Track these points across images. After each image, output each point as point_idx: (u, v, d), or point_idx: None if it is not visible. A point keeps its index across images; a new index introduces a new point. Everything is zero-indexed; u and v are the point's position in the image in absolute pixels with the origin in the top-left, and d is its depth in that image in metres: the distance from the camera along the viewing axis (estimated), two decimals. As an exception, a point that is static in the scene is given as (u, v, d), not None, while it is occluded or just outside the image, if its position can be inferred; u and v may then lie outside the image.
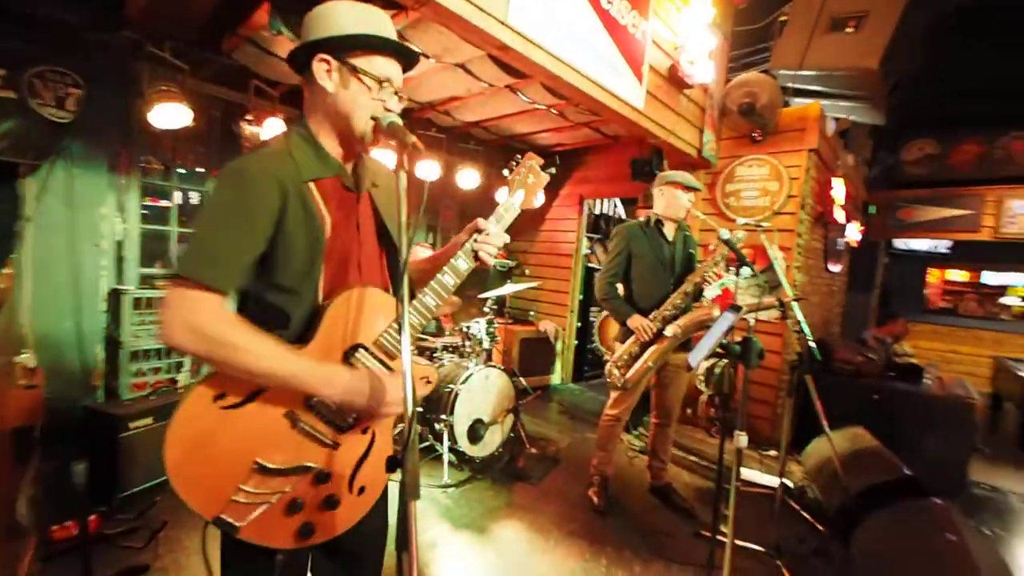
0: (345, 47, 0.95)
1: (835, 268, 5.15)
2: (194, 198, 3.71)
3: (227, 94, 3.42)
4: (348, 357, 0.99)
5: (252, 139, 3.15)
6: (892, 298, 8.61)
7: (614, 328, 4.17)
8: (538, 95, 3.41)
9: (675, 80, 3.44)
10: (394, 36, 1.00)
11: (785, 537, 2.39)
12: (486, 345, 3.46)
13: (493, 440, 3.14)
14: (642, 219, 2.74)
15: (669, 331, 2.44)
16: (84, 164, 2.77)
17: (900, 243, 8.36)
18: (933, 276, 8.89)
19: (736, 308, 1.56)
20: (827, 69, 3.88)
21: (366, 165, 1.08)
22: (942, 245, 8.51)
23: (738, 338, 1.61)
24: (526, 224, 5.67)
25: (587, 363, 5.77)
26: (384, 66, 0.98)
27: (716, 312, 2.39)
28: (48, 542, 1.94)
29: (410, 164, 0.98)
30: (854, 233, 5.71)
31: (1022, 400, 4.94)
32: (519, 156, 1.20)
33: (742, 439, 1.50)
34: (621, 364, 2.52)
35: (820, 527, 2.58)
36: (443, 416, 2.93)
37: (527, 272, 5.37)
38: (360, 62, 0.95)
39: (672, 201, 2.58)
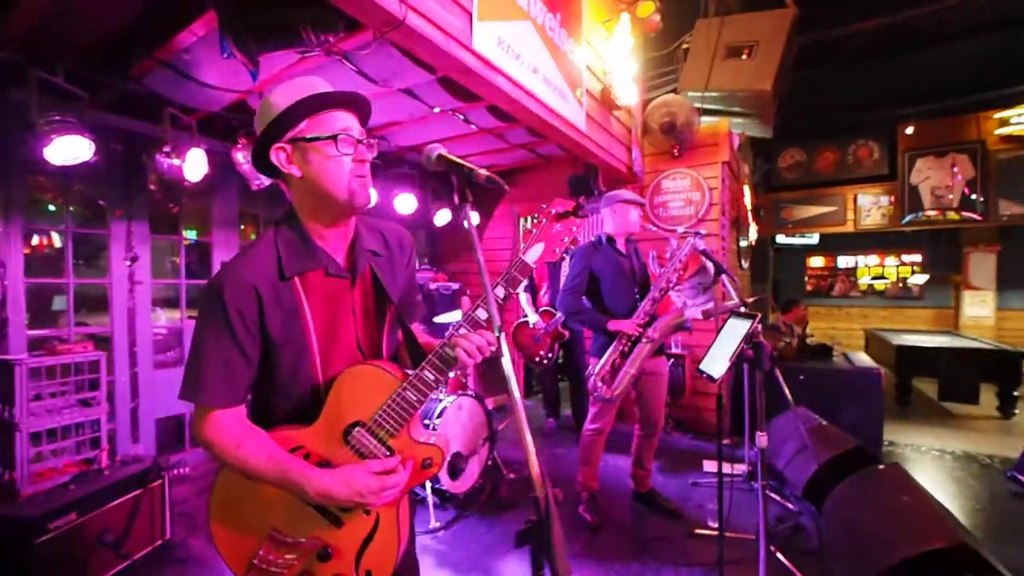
0: (289, 125, 0.96)
1: (745, 264, 5.76)
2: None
3: (130, 124, 3.00)
4: (347, 435, 1.01)
5: (170, 174, 2.78)
6: (781, 286, 9.83)
7: (524, 335, 4.29)
8: (481, 119, 3.43)
9: (606, 102, 3.66)
10: (327, 88, 0.99)
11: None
12: (454, 374, 3.34)
13: (472, 472, 3.03)
14: (593, 240, 2.85)
15: (647, 335, 2.55)
16: (-49, 212, 2.25)
17: (781, 238, 9.60)
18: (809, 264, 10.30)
19: (749, 315, 1.67)
20: (728, 90, 4.36)
21: (362, 242, 1.08)
22: (813, 238, 9.91)
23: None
24: (463, 245, 5.63)
25: (533, 378, 5.82)
26: (332, 121, 0.97)
27: (688, 312, 2.54)
28: None
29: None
30: (754, 233, 6.44)
31: (894, 364, 5.80)
32: (543, 206, 1.13)
33: (762, 440, 1.60)
34: (605, 376, 2.57)
35: (790, 506, 2.82)
36: (422, 455, 2.77)
37: (468, 293, 5.32)
38: (308, 130, 0.96)
39: (624, 217, 2.72)
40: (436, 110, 3.17)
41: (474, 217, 5.23)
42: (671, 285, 2.68)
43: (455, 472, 2.87)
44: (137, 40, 2.32)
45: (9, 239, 2.60)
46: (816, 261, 11.12)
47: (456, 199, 0.91)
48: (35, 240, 2.95)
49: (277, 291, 0.96)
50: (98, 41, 2.38)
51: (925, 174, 6.47)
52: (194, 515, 2.81)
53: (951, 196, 6.39)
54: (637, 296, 2.69)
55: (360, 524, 1.02)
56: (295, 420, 1.01)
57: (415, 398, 1.00)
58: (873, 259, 10.36)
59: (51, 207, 3.02)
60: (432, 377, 1.01)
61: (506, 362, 0.83)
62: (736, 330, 1.64)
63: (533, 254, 1.09)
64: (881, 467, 2.43)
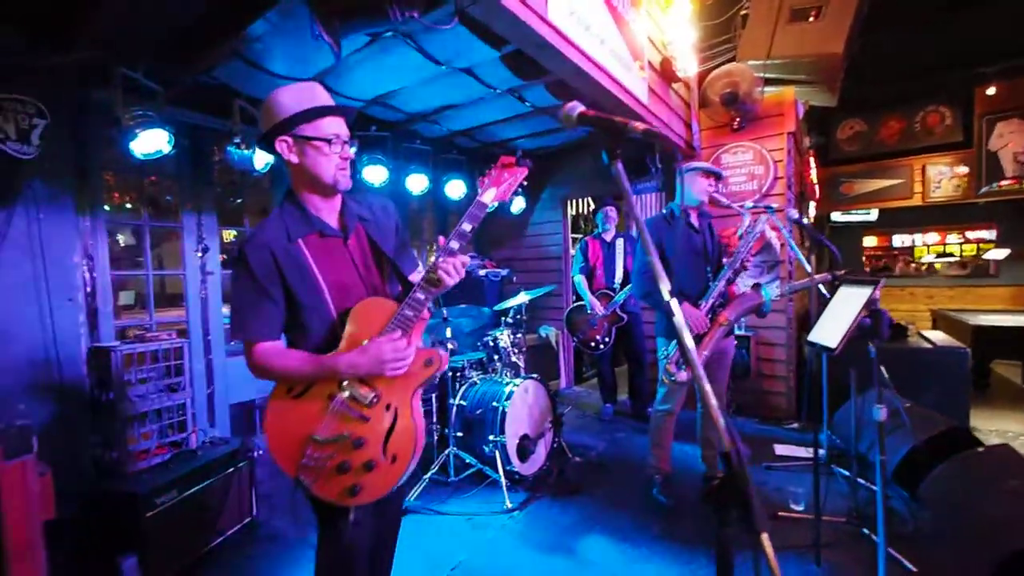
0: (294, 125, 1.22)
1: (806, 244, 5.48)
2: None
3: (199, 118, 3.08)
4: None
5: (241, 164, 2.85)
6: (838, 267, 9.34)
7: (579, 319, 4.21)
8: (539, 97, 3.35)
9: (667, 74, 3.52)
10: (327, 100, 1.26)
11: (854, 503, 2.45)
12: (514, 357, 3.33)
13: (540, 454, 3.02)
14: (664, 212, 2.75)
15: (720, 318, 2.45)
16: (49, 207, 2.37)
17: (836, 215, 9.11)
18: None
19: (860, 283, 1.56)
20: (792, 57, 4.11)
21: (349, 209, 1.37)
22: (871, 214, 9.36)
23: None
24: (510, 231, 5.60)
25: (585, 365, 5.76)
26: (328, 126, 1.24)
27: (766, 293, 2.43)
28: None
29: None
30: (812, 209, 6.12)
31: (971, 346, 5.42)
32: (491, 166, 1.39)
33: (882, 412, 1.50)
34: (678, 361, 2.49)
35: (875, 488, 2.67)
36: (492, 437, 2.78)
37: (514, 279, 5.29)
38: (308, 131, 1.23)
39: (693, 187, 2.61)
40: (495, 90, 3.11)
41: (520, 202, 5.19)
42: (746, 265, 2.56)
43: (524, 454, 2.87)
44: (210, 30, 2.36)
45: (96, 233, 2.72)
46: (869, 240, 10.52)
47: (606, 157, 0.86)
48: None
49: (288, 251, 1.24)
50: (173, 35, 2.44)
51: (1007, 139, 5.95)
52: (272, 496, 2.91)
53: (1037, 162, 5.87)
54: (710, 275, 2.59)
55: (383, 417, 1.27)
56: (322, 351, 1.27)
57: (412, 314, 1.28)
58: (933, 236, 9.71)
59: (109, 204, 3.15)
60: (422, 296, 1.27)
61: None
62: (852, 298, 1.53)
63: (487, 196, 1.34)
64: (985, 448, 2.27)
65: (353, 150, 1.31)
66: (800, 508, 2.52)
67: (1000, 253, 6.95)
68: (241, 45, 2.38)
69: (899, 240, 9.43)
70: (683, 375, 2.45)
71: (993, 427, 3.99)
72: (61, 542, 1.87)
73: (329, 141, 1.23)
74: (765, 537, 0.68)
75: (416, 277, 1.39)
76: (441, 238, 1.27)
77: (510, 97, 3.31)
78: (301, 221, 1.28)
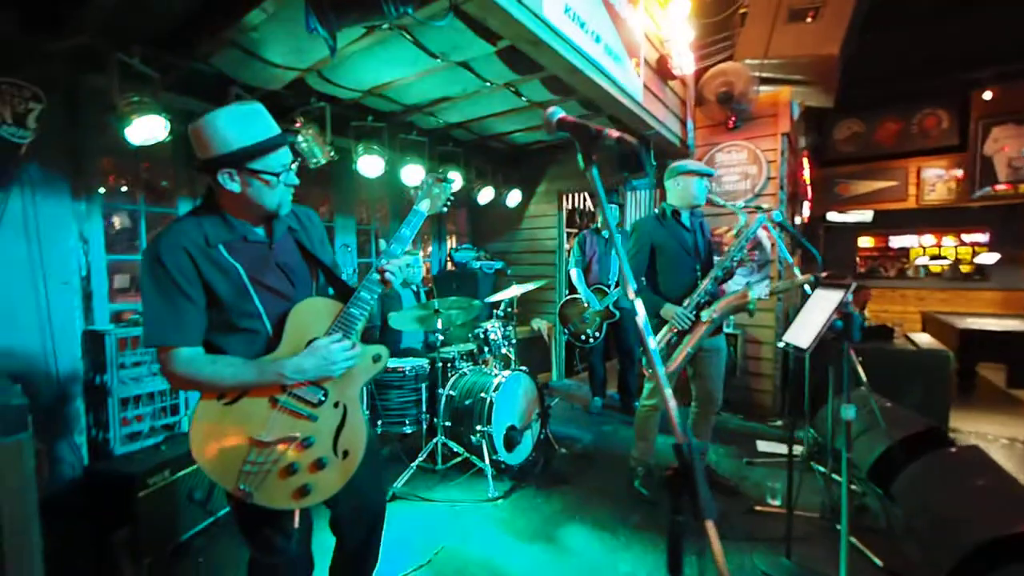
0: (242, 159, 1.15)
1: (798, 243, 5.54)
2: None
3: (196, 104, 3.08)
4: (308, 346, 1.27)
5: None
6: (831, 266, 9.41)
7: (574, 310, 4.26)
8: (534, 92, 3.37)
9: (663, 72, 3.54)
10: (272, 127, 1.21)
11: (828, 500, 2.53)
12: (504, 349, 3.38)
13: (526, 446, 3.08)
14: (656, 212, 2.78)
15: (705, 315, 2.50)
16: (45, 190, 2.39)
17: (832, 215, 9.15)
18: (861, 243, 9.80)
19: (841, 285, 1.61)
20: (789, 57, 4.13)
21: (279, 218, 1.31)
22: (867, 215, 9.41)
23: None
24: (506, 224, 5.62)
25: (576, 359, 5.82)
26: (277, 158, 1.20)
27: (752, 293, 2.47)
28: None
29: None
30: (806, 210, 6.16)
31: (957, 349, 5.50)
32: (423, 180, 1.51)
33: (849, 411, 1.56)
34: (660, 355, 2.54)
35: (852, 486, 2.75)
36: (479, 427, 2.83)
37: (509, 272, 5.33)
38: (257, 165, 1.17)
39: (688, 189, 2.63)
40: (492, 84, 3.13)
41: (517, 195, 5.21)
42: (738, 264, 2.60)
43: (511, 445, 2.93)
44: (207, 19, 2.37)
45: (91, 217, 2.74)
46: (865, 241, 10.55)
47: (582, 162, 0.90)
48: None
49: (207, 253, 1.18)
50: (169, 22, 2.44)
51: (1002, 143, 5.99)
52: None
53: (1030, 168, 5.91)
54: (698, 274, 2.63)
55: (331, 415, 1.28)
56: (253, 354, 1.23)
57: (358, 312, 1.30)
58: (929, 239, 9.74)
59: (107, 188, 3.16)
60: (367, 296, 1.31)
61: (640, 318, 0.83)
62: (826, 300, 1.58)
63: (423, 206, 1.46)
64: (956, 448, 2.33)
65: (295, 168, 1.26)
66: (776, 503, 2.59)
67: (991, 257, 7.02)
68: (237, 34, 2.38)
69: (896, 242, 9.48)
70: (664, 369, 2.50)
71: (973, 428, 4.07)
72: (57, 520, 1.92)
73: (274, 174, 1.19)
74: (710, 524, 0.74)
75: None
76: (383, 241, 1.32)
77: (506, 91, 3.32)
78: (222, 227, 1.22)
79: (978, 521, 1.79)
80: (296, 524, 1.29)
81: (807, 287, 2.42)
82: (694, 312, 2.48)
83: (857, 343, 1.56)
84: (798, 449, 3.24)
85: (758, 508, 2.55)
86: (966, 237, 9.38)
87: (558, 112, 0.95)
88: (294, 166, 1.25)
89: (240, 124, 1.16)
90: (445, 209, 1.51)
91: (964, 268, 9.26)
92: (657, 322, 2.59)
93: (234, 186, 1.17)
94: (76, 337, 2.55)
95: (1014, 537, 1.67)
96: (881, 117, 7.11)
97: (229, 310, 1.21)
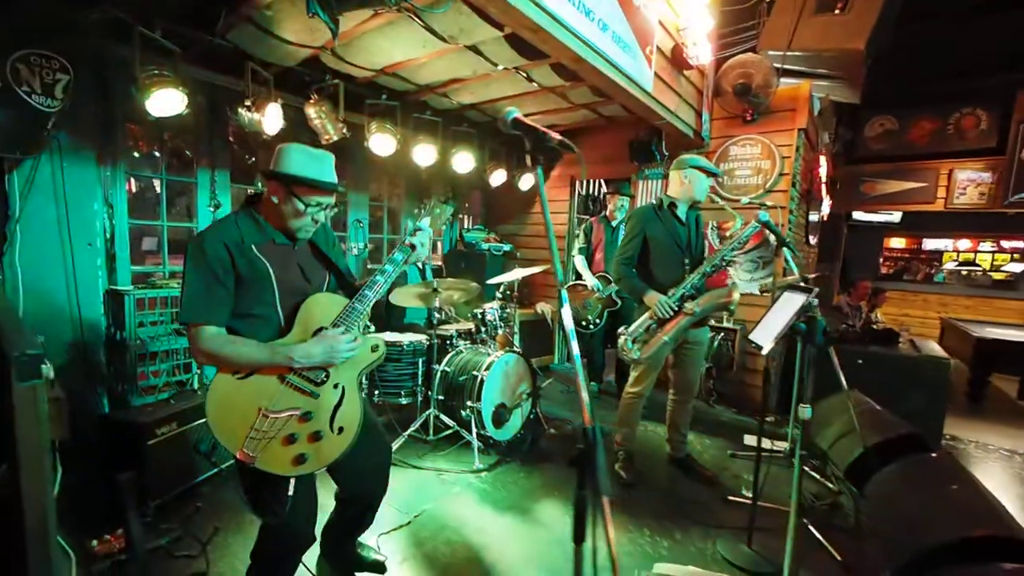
0: (290, 181, 1.40)
1: (813, 241, 5.44)
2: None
3: (215, 78, 3.20)
4: (315, 335, 1.45)
5: (251, 127, 2.98)
6: (850, 266, 9.19)
7: (577, 296, 4.31)
8: (545, 77, 3.38)
9: (677, 61, 3.49)
10: (328, 176, 1.45)
11: (804, 496, 2.58)
12: (501, 331, 3.48)
13: (515, 423, 3.20)
14: (654, 202, 2.81)
15: (688, 307, 2.54)
16: (73, 156, 2.56)
17: (858, 214, 8.89)
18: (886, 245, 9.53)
19: (806, 289, 1.65)
20: (814, 50, 4.01)
21: None
22: (894, 216, 9.11)
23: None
24: (516, 208, 5.66)
25: (582, 342, 5.90)
26: (316, 197, 1.43)
27: (736, 295, 2.50)
28: (91, 559, 1.86)
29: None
30: (826, 207, 6.02)
31: (971, 358, 5.38)
32: (426, 200, 1.67)
33: (806, 411, 1.61)
34: (637, 339, 2.61)
35: (830, 485, 2.80)
36: (469, 403, 2.96)
37: (518, 255, 5.39)
38: (299, 191, 1.41)
39: (695, 185, 2.64)
40: (500, 68, 3.15)
41: (528, 178, 5.23)
42: (726, 263, 2.61)
43: (499, 422, 3.05)
44: (224, -4, 2.46)
45: (116, 182, 2.91)
46: (897, 242, 10.22)
47: (529, 161, 0.97)
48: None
49: (242, 250, 1.39)
50: (190, -2, 2.54)
51: (1040, 148, 5.71)
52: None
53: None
54: (687, 267, 2.66)
55: (331, 394, 1.45)
56: (266, 339, 1.41)
57: (361, 308, 1.48)
58: (965, 243, 9.37)
59: (136, 154, 3.30)
60: (370, 295, 1.49)
61: (566, 312, 0.91)
62: (791, 303, 1.62)
63: (425, 223, 1.63)
64: (933, 455, 2.35)
65: (324, 216, 1.50)
66: (750, 495, 2.65)
67: (1018, 267, 6.76)
68: (252, 10, 2.47)
69: (929, 244, 9.17)
70: (636, 354, 2.57)
71: (975, 438, 4.04)
72: (76, 460, 2.12)
73: (308, 206, 1.42)
74: (606, 501, 0.82)
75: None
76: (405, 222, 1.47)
77: (517, 75, 3.34)
78: (255, 230, 1.44)
79: (935, 523, 1.84)
80: (291, 491, 1.42)
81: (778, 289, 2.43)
82: (678, 303, 2.53)
83: (820, 345, 1.59)
84: (785, 445, 3.28)
85: (731, 498, 2.63)
86: (1006, 243, 9.01)
87: (513, 112, 1.02)
88: (327, 211, 1.49)
89: (307, 159, 1.42)
90: (444, 228, 1.67)
91: (997, 276, 8.95)
92: (642, 308, 2.65)
93: (275, 198, 1.42)
94: (99, 296, 2.74)
95: (968, 541, 1.71)
96: (916, 115, 6.82)
97: (252, 299, 1.40)
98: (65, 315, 2.60)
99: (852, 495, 2.64)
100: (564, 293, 0.93)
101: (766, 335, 1.61)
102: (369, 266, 4.62)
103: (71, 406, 2.42)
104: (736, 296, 2.51)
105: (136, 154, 3.23)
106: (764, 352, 1.73)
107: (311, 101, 3.29)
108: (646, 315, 2.60)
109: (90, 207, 2.67)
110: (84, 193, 2.64)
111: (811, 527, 2.32)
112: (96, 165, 2.71)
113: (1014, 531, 1.73)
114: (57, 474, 1.99)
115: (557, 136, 0.99)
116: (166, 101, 2.56)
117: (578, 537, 0.86)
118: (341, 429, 1.45)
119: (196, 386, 2.85)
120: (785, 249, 2.69)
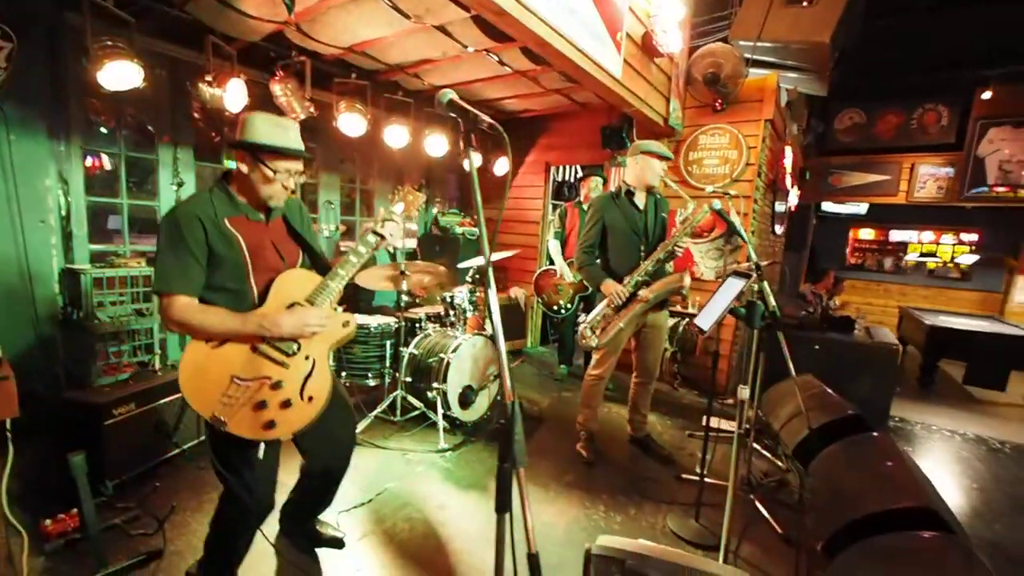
0: (257, 150, 1.43)
1: (779, 230, 5.59)
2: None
3: (175, 51, 3.10)
4: (289, 308, 1.49)
5: (212, 103, 2.91)
6: (818, 256, 9.48)
7: (547, 282, 4.38)
8: (515, 60, 3.36)
9: (648, 48, 3.51)
10: (293, 143, 1.47)
11: (752, 474, 2.71)
12: (469, 314, 3.52)
13: (481, 404, 3.26)
14: (612, 190, 2.85)
15: (642, 294, 2.61)
16: (20, 129, 2.46)
17: (826, 205, 9.12)
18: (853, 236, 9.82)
19: (743, 275, 1.72)
20: (783, 41, 4.08)
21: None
22: (861, 208, 9.38)
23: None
24: (492, 192, 5.66)
25: (553, 326, 5.98)
26: (284, 164, 1.46)
27: (686, 280, 2.58)
28: (43, 537, 1.85)
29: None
30: (794, 198, 6.17)
31: (923, 344, 5.64)
32: (399, 187, 1.77)
33: (744, 392, 1.69)
34: (595, 326, 2.67)
35: (779, 463, 2.94)
36: (435, 384, 3.00)
37: (493, 240, 5.41)
38: (266, 159, 1.44)
39: (647, 170, 2.68)
40: (469, 49, 3.13)
41: (503, 164, 5.22)
42: (679, 249, 2.67)
43: (465, 403, 3.10)
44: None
45: (70, 158, 2.81)
46: (866, 233, 10.53)
47: (461, 143, 1.00)
48: (89, 162, 3.15)
49: (215, 224, 1.42)
50: (145, -34, 2.45)
51: (996, 145, 5.94)
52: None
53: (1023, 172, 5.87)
54: (642, 254, 2.70)
55: (302, 364, 1.49)
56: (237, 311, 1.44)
57: (335, 286, 1.54)
58: (928, 235, 9.71)
59: (103, 129, 3.19)
60: (343, 273, 1.54)
61: (492, 293, 0.94)
62: (731, 288, 1.69)
63: (397, 207, 1.71)
64: (873, 434, 2.49)
65: (295, 182, 1.52)
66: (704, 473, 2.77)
67: (970, 259, 7.08)
68: (211, -17, 2.40)
69: (895, 236, 9.46)
70: (594, 342, 2.65)
71: (920, 419, 4.26)
72: (30, 440, 2.09)
73: (276, 172, 1.45)
74: (522, 472, 0.87)
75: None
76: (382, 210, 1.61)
77: (487, 57, 3.32)
78: (229, 204, 1.47)
79: (864, 497, 1.96)
80: (260, 455, 1.47)
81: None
82: (632, 290, 2.59)
83: (759, 328, 1.67)
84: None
85: (684, 476, 2.74)
86: (964, 236, 9.37)
87: (449, 94, 1.03)
88: (296, 177, 1.51)
89: (272, 128, 1.44)
90: (417, 214, 1.68)
91: (952, 267, 9.32)
92: (600, 295, 2.71)
93: (243, 167, 1.45)
94: (53, 274, 2.67)
95: (891, 513, 1.84)
96: (883, 109, 7.01)
97: (225, 273, 1.44)
98: (18, 293, 2.53)
99: (799, 473, 2.79)
100: (491, 273, 0.96)
101: (707, 319, 1.68)
102: (342, 248, 4.58)
103: (22, 385, 2.38)
104: (687, 281, 2.59)
105: (103, 129, 3.09)
106: (705, 334, 1.80)
107: (276, 78, 3.22)
108: (603, 303, 2.66)
109: (41, 183, 2.59)
110: (34, 168, 2.55)
111: (757, 502, 2.44)
112: (47, 138, 2.62)
113: (934, 503, 1.87)
114: (8, 453, 1.97)
115: (487, 119, 1.01)
116: (120, 74, 2.48)
117: (500, 507, 0.91)
118: (311, 399, 1.49)
119: (158, 366, 2.82)
120: (749, 236, 2.76)
